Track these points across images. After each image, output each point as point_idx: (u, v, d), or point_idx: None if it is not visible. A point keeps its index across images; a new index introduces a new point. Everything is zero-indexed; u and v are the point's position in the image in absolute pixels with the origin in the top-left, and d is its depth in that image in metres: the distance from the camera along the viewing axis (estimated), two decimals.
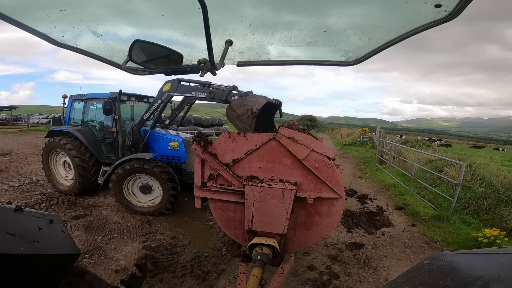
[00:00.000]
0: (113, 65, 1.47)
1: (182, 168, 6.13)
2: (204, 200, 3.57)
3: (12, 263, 0.93)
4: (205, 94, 5.15)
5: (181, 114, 6.44)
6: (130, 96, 6.58)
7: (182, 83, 5.39)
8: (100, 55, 1.42)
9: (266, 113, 4.16)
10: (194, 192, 3.51)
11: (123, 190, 5.73)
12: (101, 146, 6.62)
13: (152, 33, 1.35)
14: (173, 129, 7.22)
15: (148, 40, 1.34)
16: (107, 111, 5.94)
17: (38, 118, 37.04)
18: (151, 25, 1.33)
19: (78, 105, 6.98)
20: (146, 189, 5.78)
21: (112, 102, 6.07)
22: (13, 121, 33.63)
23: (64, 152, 6.59)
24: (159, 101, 5.62)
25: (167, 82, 5.55)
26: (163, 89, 5.55)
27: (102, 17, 1.20)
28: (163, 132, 6.37)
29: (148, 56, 1.37)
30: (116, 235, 4.87)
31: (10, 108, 38.45)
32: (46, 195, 6.71)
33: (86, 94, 6.82)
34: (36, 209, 3.96)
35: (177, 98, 6.07)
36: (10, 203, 1.26)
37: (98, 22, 1.21)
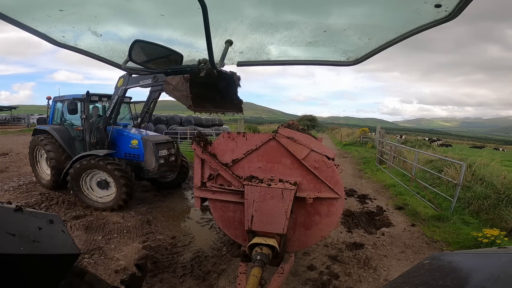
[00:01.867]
0: (113, 65, 1.47)
1: (141, 166, 6.38)
2: (203, 200, 3.57)
3: (12, 263, 0.93)
4: (150, 80, 5.46)
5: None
6: (101, 96, 6.97)
7: (132, 75, 5.67)
8: (100, 55, 1.42)
9: (225, 88, 4.09)
10: (194, 192, 3.52)
11: (81, 185, 5.97)
12: (75, 144, 7.00)
13: (152, 33, 1.35)
14: (146, 128, 7.58)
15: (148, 40, 1.33)
16: (71, 111, 6.34)
17: None
18: (151, 25, 1.32)
19: (60, 106, 7.44)
20: (103, 185, 6.00)
21: (78, 102, 6.49)
22: (13, 121, 33.64)
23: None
24: (116, 97, 5.95)
25: (120, 77, 5.87)
26: (118, 85, 5.88)
27: (102, 17, 1.19)
28: (127, 130, 6.69)
29: (148, 56, 1.37)
30: (116, 235, 4.87)
31: (10, 108, 38.44)
32: (46, 195, 6.72)
33: (64, 95, 7.29)
34: (36, 209, 3.96)
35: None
36: (10, 203, 1.26)
37: (98, 22, 1.20)
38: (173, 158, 6.76)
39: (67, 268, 1.13)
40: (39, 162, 7.51)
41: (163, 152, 6.43)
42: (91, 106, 6.92)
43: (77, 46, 1.36)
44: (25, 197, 6.56)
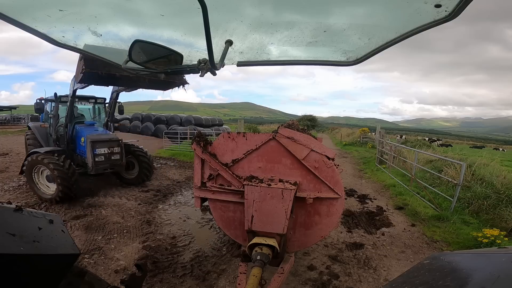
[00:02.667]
0: (113, 65, 1.47)
1: (86, 162, 6.76)
2: (203, 200, 3.57)
3: (12, 263, 0.93)
4: None
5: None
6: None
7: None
8: (100, 55, 1.42)
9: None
10: (193, 192, 3.52)
11: (33, 177, 6.41)
12: (50, 140, 7.61)
13: (153, 33, 1.35)
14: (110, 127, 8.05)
15: (148, 40, 1.33)
16: (37, 110, 7.09)
17: None
18: (152, 25, 1.32)
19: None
20: (51, 179, 6.31)
21: (44, 103, 7.21)
22: (13, 121, 33.66)
23: None
24: (69, 97, 6.44)
25: (71, 80, 6.25)
26: (70, 87, 6.29)
27: (102, 17, 1.19)
28: (83, 129, 7.10)
29: (148, 56, 1.37)
30: (116, 235, 4.86)
31: (10, 108, 38.48)
32: None
33: (48, 97, 7.79)
34: (36, 209, 3.96)
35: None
36: (10, 203, 1.26)
37: (98, 22, 1.20)
38: (117, 157, 7.00)
39: (67, 268, 1.13)
40: None
41: (103, 150, 6.72)
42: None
43: (77, 46, 1.36)
44: (25, 197, 6.56)
